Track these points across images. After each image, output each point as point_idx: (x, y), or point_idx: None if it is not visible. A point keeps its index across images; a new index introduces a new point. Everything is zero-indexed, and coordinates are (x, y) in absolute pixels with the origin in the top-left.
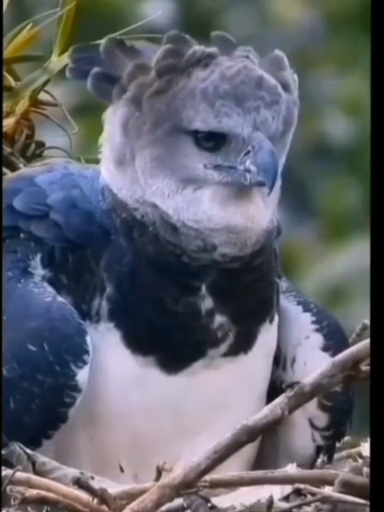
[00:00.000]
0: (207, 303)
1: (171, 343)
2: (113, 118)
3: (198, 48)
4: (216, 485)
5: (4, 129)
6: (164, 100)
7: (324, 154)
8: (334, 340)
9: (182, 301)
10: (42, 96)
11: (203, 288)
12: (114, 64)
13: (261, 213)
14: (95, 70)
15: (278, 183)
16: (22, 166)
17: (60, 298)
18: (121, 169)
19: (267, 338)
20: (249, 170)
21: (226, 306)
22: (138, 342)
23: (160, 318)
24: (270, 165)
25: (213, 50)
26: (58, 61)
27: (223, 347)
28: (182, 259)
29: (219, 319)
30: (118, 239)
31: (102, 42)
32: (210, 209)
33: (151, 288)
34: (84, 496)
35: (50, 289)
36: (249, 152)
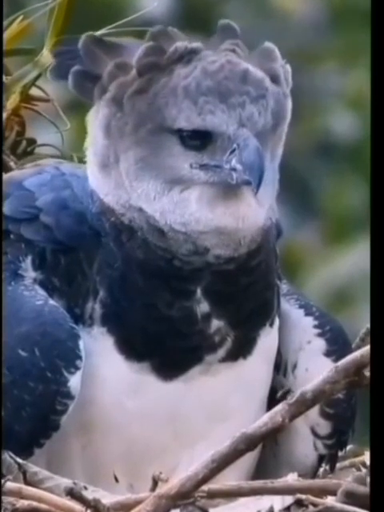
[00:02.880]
0: (203, 307)
1: (166, 349)
2: (95, 119)
3: (180, 44)
4: (214, 495)
5: None
6: (146, 99)
7: (327, 152)
8: (337, 345)
9: (176, 305)
10: (33, 91)
11: (198, 292)
12: (94, 62)
13: (253, 212)
14: (75, 68)
15: (274, 178)
16: (12, 163)
17: (52, 302)
18: (105, 172)
19: (267, 342)
20: (235, 169)
21: (223, 309)
22: (132, 347)
23: (154, 323)
24: (256, 163)
25: (196, 45)
26: (50, 54)
27: (221, 352)
28: (174, 263)
29: (216, 323)
30: (109, 243)
31: (81, 39)
32: (197, 210)
33: (143, 293)
34: (77, 507)
35: (41, 292)
36: (234, 150)
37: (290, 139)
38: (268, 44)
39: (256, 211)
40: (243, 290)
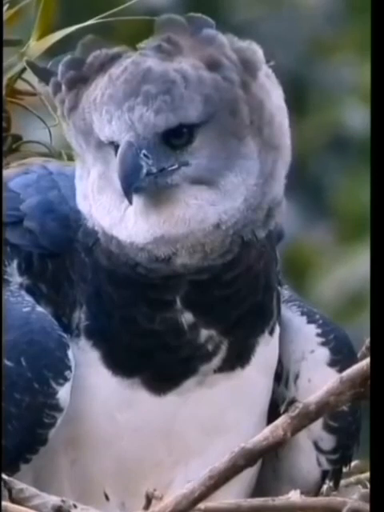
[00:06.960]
0: (187, 317)
1: (156, 363)
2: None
3: (97, 53)
4: None
5: None
6: (79, 115)
7: (341, 147)
8: (342, 354)
9: (157, 318)
10: (20, 85)
11: (178, 302)
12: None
13: (197, 211)
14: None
15: (253, 171)
16: None
17: (39, 308)
18: (80, 184)
19: (267, 351)
20: None
21: (209, 318)
22: (120, 363)
23: (138, 337)
24: (120, 172)
25: (117, 50)
26: (37, 45)
27: (216, 361)
28: (138, 270)
29: (206, 332)
30: (81, 251)
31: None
32: (135, 223)
33: (119, 306)
34: None
35: (28, 298)
36: None
37: (302, 133)
38: (209, 30)
39: (202, 210)
40: (223, 301)
